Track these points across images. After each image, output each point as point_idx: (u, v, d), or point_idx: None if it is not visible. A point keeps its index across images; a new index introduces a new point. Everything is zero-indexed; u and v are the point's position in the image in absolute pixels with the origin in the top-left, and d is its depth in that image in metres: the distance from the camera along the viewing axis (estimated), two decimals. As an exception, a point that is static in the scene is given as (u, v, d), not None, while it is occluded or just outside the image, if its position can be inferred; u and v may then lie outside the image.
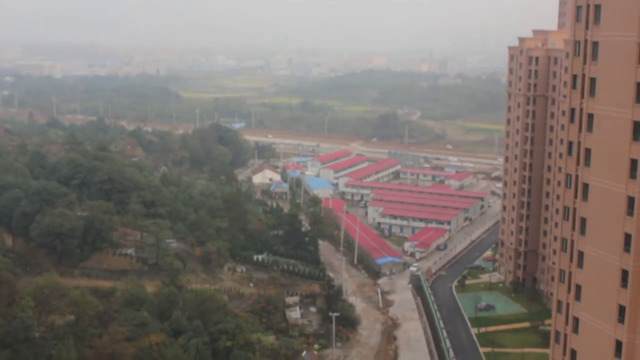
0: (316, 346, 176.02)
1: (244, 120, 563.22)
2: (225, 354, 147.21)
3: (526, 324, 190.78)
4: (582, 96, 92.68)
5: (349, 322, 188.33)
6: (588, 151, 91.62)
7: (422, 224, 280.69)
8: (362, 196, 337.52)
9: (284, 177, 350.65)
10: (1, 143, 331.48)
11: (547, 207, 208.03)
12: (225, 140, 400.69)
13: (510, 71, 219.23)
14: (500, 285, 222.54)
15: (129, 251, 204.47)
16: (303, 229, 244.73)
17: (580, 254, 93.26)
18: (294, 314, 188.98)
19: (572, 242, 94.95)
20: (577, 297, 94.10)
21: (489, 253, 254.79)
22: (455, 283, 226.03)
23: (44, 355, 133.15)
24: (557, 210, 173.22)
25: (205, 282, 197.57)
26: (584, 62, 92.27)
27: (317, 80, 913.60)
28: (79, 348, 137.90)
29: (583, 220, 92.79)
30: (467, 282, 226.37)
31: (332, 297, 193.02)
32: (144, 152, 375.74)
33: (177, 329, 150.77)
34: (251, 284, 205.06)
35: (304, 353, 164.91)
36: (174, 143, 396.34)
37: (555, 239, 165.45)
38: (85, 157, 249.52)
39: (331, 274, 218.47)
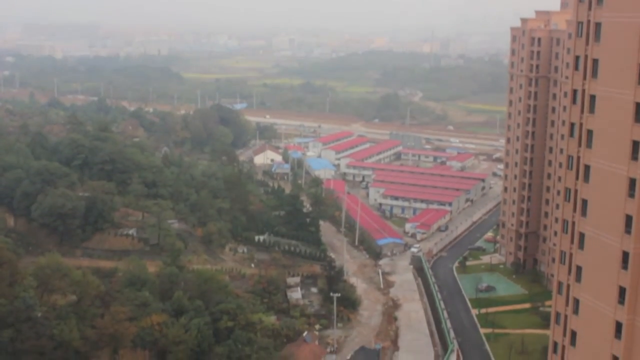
0: (317, 326, 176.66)
1: (245, 101, 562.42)
2: (226, 334, 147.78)
3: (527, 305, 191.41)
4: (585, 77, 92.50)
5: (350, 303, 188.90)
6: (590, 133, 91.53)
7: (423, 205, 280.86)
8: (363, 177, 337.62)
9: (286, 158, 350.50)
10: (2, 123, 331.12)
11: (548, 189, 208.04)
12: (226, 120, 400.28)
13: (513, 52, 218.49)
14: (501, 266, 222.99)
15: (131, 231, 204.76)
16: (304, 210, 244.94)
17: (581, 236, 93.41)
18: (295, 294, 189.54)
19: (573, 223, 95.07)
20: (578, 278, 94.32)
21: (490, 234, 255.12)
22: (456, 264, 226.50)
23: (46, 335, 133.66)
24: (558, 192, 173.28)
25: (207, 262, 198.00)
26: (587, 43, 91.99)
27: (319, 61, 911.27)
28: (81, 328, 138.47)
29: (584, 202, 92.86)
30: (468, 263, 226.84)
31: (333, 277, 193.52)
32: (145, 133, 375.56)
33: (178, 309, 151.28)
34: (252, 265, 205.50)
35: (305, 333, 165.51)
36: (176, 124, 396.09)
37: (556, 220, 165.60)
38: (87, 137, 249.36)
39: (332, 255, 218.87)
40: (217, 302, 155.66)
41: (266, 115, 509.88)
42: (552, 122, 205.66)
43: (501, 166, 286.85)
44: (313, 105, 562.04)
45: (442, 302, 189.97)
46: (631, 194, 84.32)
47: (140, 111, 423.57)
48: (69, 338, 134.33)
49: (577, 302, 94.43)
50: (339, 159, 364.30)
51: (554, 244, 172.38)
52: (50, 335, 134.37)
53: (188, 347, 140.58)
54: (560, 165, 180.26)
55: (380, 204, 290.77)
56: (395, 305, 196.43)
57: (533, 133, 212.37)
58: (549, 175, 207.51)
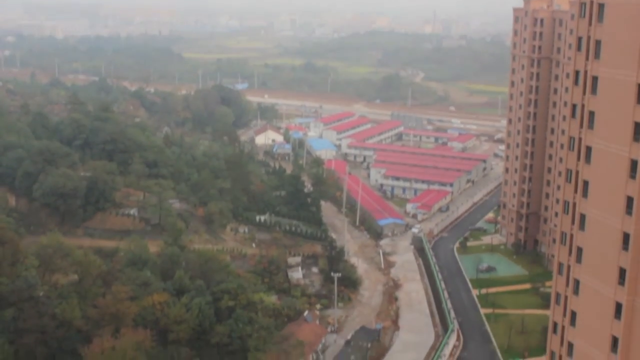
0: (318, 306, 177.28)
1: (246, 81, 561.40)
2: (227, 314, 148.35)
3: (527, 286, 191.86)
4: (587, 59, 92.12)
5: (350, 283, 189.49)
6: (592, 114, 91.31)
7: (424, 186, 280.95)
8: (364, 157, 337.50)
9: (287, 138, 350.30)
10: (3, 103, 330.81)
11: (549, 170, 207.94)
12: (227, 101, 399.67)
13: (515, 33, 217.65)
14: (502, 247, 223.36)
15: (132, 211, 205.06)
16: (305, 190, 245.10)
17: (582, 217, 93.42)
18: (296, 274, 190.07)
19: (574, 204, 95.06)
20: (578, 259, 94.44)
21: (490, 215, 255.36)
22: (456, 245, 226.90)
23: (48, 314, 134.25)
24: (559, 173, 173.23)
25: (208, 242, 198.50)
26: (590, 24, 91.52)
27: (320, 41, 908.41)
28: (83, 307, 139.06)
29: (585, 183, 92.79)
30: (469, 243, 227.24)
31: (334, 257, 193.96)
32: (147, 113, 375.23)
33: (179, 288, 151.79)
34: (253, 245, 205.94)
35: (305, 313, 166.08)
36: (177, 104, 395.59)
37: (557, 201, 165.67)
38: (88, 117, 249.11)
39: (333, 235, 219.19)
40: (218, 282, 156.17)
41: (265, 95, 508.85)
42: (554, 103, 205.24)
43: (502, 147, 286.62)
44: (314, 86, 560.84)
45: (442, 283, 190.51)
46: (632, 175, 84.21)
47: (141, 91, 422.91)
48: (71, 317, 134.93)
49: (577, 282, 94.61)
50: (340, 140, 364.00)
51: (555, 225, 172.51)
52: (52, 314, 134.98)
53: (189, 327, 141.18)
54: (562, 146, 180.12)
55: (382, 185, 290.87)
56: (396, 285, 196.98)
57: (535, 114, 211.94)
58: (550, 157, 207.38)
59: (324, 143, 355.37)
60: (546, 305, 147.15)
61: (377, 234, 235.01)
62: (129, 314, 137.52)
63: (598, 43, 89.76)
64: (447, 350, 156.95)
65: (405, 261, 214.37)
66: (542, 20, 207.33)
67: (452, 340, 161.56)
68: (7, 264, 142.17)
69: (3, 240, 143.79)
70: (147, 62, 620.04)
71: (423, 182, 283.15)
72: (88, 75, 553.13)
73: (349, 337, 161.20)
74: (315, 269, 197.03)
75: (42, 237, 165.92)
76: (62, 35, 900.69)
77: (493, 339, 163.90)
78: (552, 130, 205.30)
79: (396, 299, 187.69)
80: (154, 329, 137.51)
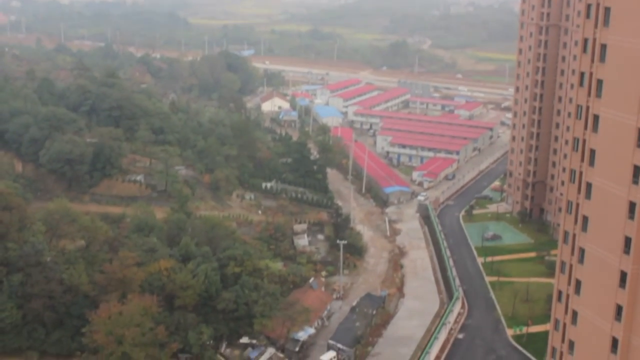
0: (323, 273, 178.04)
1: (252, 47, 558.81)
2: (233, 280, 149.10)
3: (532, 254, 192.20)
4: (596, 26, 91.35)
5: (356, 250, 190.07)
6: (600, 82, 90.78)
7: (430, 154, 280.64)
8: (371, 125, 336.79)
9: (293, 105, 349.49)
10: (9, 69, 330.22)
11: (556, 138, 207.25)
12: (234, 67, 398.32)
13: (523, 0, 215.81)
14: (508, 215, 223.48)
15: (138, 178, 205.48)
16: (312, 157, 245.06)
17: (588, 185, 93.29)
18: (302, 241, 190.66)
19: (581, 173, 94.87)
20: (584, 228, 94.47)
21: (497, 183, 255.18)
22: (462, 213, 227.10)
23: (55, 279, 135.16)
24: (566, 142, 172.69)
25: (214, 209, 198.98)
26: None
27: (327, 7, 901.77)
28: (90, 272, 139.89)
29: (592, 152, 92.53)
30: (475, 211, 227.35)
31: (340, 225, 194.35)
32: (153, 79, 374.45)
33: (186, 254, 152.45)
34: (259, 212, 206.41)
35: (311, 280, 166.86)
36: (183, 70, 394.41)
37: (564, 170, 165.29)
38: (94, 83, 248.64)
39: (339, 202, 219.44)
40: (224, 248, 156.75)
41: (266, 61, 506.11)
42: (562, 71, 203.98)
43: (509, 115, 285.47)
44: (321, 53, 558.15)
45: (448, 250, 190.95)
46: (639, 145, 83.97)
47: (147, 57, 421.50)
48: (78, 282, 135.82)
49: (582, 251, 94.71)
50: (346, 107, 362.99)
51: (561, 194, 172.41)
52: (60, 279, 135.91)
53: (195, 292, 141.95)
54: (569, 114, 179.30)
55: (388, 152, 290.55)
56: (401, 252, 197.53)
57: (542, 82, 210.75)
58: (557, 125, 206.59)
59: (330, 110, 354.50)
60: (551, 274, 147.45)
61: (383, 202, 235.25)
62: (136, 280, 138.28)
63: (607, 10, 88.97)
64: (452, 318, 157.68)
65: (410, 229, 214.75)
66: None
67: (457, 308, 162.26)
68: (15, 229, 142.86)
69: (10, 206, 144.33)
70: (153, 27, 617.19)
71: (429, 149, 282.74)
72: (94, 41, 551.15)
73: (354, 303, 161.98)
74: (321, 236, 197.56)
75: (49, 203, 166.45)
76: (68, 0, 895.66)
77: (498, 307, 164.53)
78: (560, 99, 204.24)
79: (401, 266, 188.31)
80: (160, 295, 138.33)
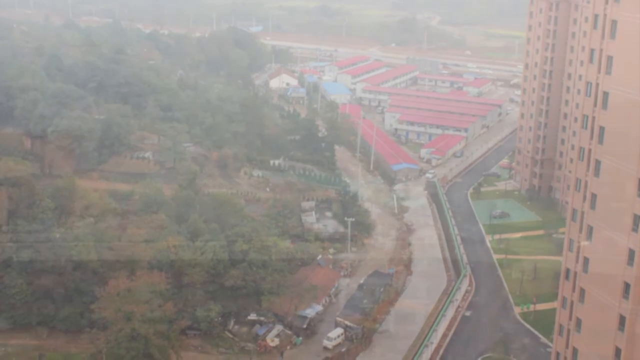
0: (331, 250, 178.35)
1: (261, 24, 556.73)
2: (241, 257, 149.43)
3: (540, 232, 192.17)
4: (607, 2, 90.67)
5: (364, 228, 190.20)
6: (609, 59, 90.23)
7: (439, 131, 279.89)
8: (379, 102, 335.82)
9: (301, 82, 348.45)
10: (17, 45, 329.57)
11: (565, 116, 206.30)
12: (242, 44, 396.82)
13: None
14: (516, 193, 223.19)
15: (147, 155, 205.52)
16: (320, 135, 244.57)
17: (597, 163, 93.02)
18: (310, 218, 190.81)
19: (590, 150, 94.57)
20: (592, 205, 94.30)
21: (505, 161, 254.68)
22: (470, 190, 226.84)
23: (64, 256, 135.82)
24: (575, 119, 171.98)
25: (222, 186, 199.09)
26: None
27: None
28: (98, 250, 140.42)
29: (601, 129, 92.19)
30: (483, 189, 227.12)
31: (348, 202, 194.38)
32: (161, 56, 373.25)
33: (194, 232, 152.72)
34: (267, 189, 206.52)
35: (319, 257, 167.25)
36: (191, 47, 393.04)
37: (573, 147, 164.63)
38: (102, 60, 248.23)
39: (347, 180, 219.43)
40: (232, 225, 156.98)
41: (267, 37, 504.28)
42: (572, 48, 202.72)
43: (518, 92, 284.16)
44: (329, 29, 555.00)
45: (455, 228, 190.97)
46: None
47: (155, 34, 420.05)
48: (87, 259, 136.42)
49: (590, 229, 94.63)
50: (355, 84, 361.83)
51: (570, 171, 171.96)
52: (69, 256, 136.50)
53: (203, 270, 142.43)
54: (579, 92, 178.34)
55: (396, 129, 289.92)
56: (409, 230, 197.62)
57: (552, 59, 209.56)
58: (566, 102, 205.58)
59: (338, 87, 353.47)
60: (559, 252, 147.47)
61: (390, 179, 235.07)
62: (144, 257, 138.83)
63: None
64: (459, 295, 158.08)
65: (418, 206, 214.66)
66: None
67: (464, 286, 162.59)
68: (24, 206, 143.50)
69: (19, 182, 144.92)
70: (160, 3, 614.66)
71: (437, 127, 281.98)
72: (102, 17, 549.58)
73: (362, 281, 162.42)
74: (328, 214, 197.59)
75: (58, 179, 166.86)
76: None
77: (505, 285, 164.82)
78: (569, 76, 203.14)
79: (409, 244, 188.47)
80: (169, 272, 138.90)
